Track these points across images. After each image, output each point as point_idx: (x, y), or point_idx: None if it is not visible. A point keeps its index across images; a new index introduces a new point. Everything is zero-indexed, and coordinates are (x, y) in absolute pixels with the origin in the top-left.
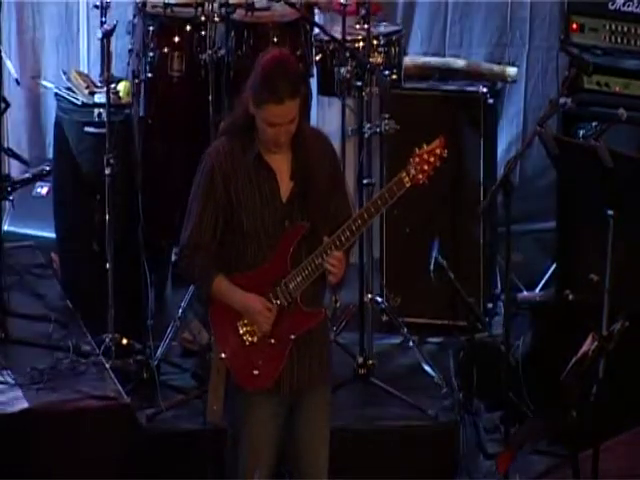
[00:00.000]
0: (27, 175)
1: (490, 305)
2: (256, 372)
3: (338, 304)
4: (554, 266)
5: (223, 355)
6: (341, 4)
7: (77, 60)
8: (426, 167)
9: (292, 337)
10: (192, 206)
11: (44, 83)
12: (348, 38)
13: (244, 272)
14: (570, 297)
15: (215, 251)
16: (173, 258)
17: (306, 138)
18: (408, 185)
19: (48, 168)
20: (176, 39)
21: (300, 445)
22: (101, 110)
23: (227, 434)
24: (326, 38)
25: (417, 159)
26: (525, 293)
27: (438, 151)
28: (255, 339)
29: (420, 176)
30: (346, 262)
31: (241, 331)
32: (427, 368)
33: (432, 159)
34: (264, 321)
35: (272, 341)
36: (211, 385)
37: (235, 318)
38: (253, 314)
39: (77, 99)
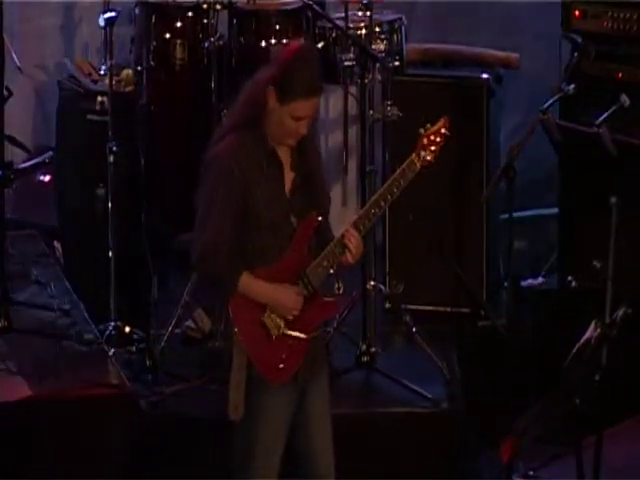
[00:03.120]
0: (30, 163)
1: (493, 292)
2: (281, 366)
3: (341, 291)
4: (557, 253)
5: (248, 349)
6: None
7: (79, 49)
8: (433, 147)
9: (316, 328)
10: (210, 206)
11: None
12: (350, 25)
13: (264, 267)
14: (573, 284)
15: (235, 249)
16: (176, 246)
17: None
18: (419, 166)
19: (51, 156)
20: (178, 27)
21: (311, 424)
22: (104, 98)
23: (239, 421)
24: (328, 25)
25: (424, 140)
26: (528, 280)
27: (443, 130)
28: (280, 332)
29: (429, 157)
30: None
31: (266, 325)
32: (430, 355)
33: (438, 139)
34: (294, 309)
35: (296, 333)
36: (233, 382)
37: (259, 312)
38: (284, 304)
39: (80, 87)
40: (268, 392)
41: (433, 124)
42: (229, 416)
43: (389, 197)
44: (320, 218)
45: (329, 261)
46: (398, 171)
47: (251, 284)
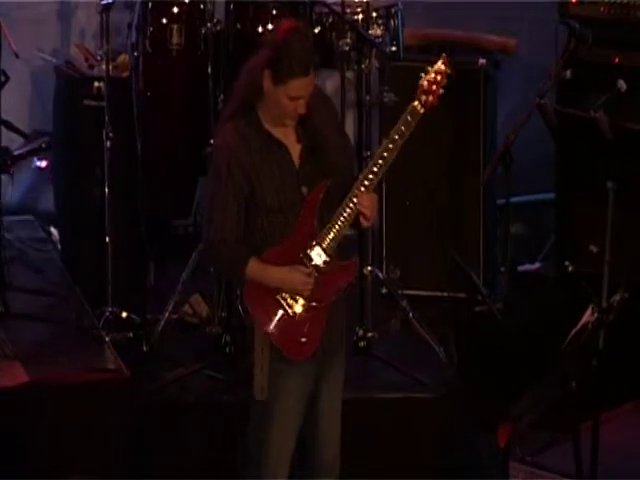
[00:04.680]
0: (26, 149)
1: (490, 277)
2: (304, 340)
3: None
4: (554, 238)
5: (270, 332)
6: None
7: (76, 34)
8: (434, 87)
9: (336, 294)
10: (213, 199)
11: (44, 55)
12: (347, 10)
13: (275, 246)
14: (570, 268)
15: (243, 236)
16: (173, 231)
17: (311, 100)
18: (422, 111)
19: (47, 141)
20: (175, 12)
21: (321, 409)
22: (100, 83)
23: (253, 404)
24: (325, 11)
25: (425, 83)
26: (525, 265)
27: (443, 68)
28: (299, 307)
29: (431, 98)
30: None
31: (284, 303)
32: (427, 340)
33: (439, 77)
34: (305, 289)
35: (314, 304)
36: (257, 364)
37: (274, 292)
38: (293, 285)
39: (76, 72)
40: (284, 375)
41: (431, 65)
42: (255, 397)
43: (392, 148)
44: (328, 185)
45: (340, 224)
46: (401, 120)
47: (259, 271)
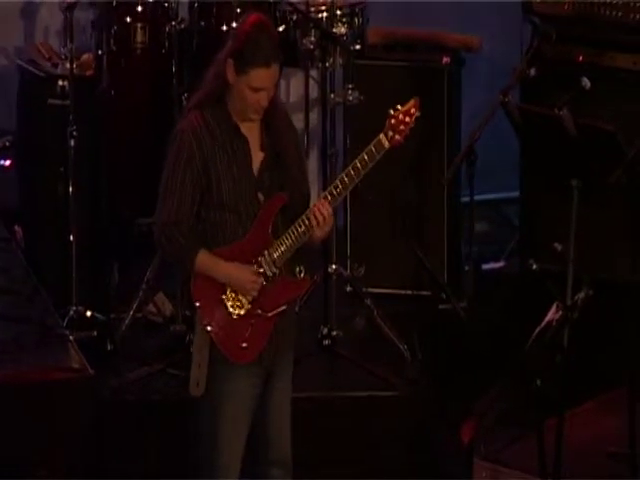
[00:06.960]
0: None
1: (454, 275)
2: (244, 345)
3: (302, 274)
4: (518, 236)
5: (209, 329)
6: None
7: (39, 32)
8: (402, 127)
9: (282, 308)
10: (170, 182)
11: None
12: (311, 9)
13: (225, 246)
14: (534, 266)
15: (195, 227)
16: (137, 230)
17: (276, 107)
18: (387, 146)
19: (11, 140)
20: (139, 11)
21: (271, 411)
22: (64, 82)
23: (203, 404)
24: (289, 8)
25: (393, 120)
26: (490, 263)
27: (413, 111)
28: (242, 311)
29: (397, 137)
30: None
31: (227, 304)
32: (391, 338)
33: (408, 119)
34: (251, 288)
35: (259, 312)
36: (195, 360)
37: (220, 291)
38: (240, 282)
39: (40, 71)
40: (232, 376)
41: (403, 105)
42: (190, 392)
43: (354, 175)
44: (287, 197)
45: (292, 239)
46: (365, 150)
47: (209, 263)
